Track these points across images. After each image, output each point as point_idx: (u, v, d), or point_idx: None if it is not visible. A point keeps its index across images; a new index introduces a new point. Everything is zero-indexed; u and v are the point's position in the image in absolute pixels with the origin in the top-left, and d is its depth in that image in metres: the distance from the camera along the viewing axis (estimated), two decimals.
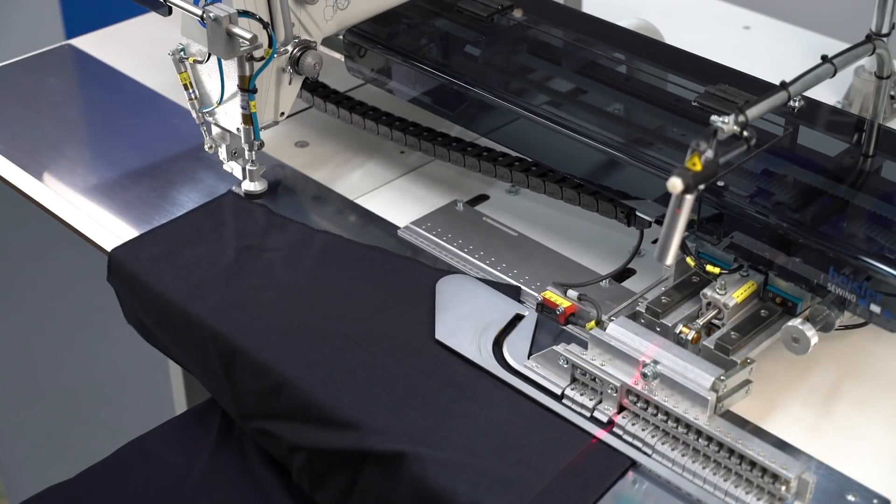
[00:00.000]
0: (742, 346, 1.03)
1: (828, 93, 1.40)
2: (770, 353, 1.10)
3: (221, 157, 1.31)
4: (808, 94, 1.10)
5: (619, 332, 1.03)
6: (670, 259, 0.94)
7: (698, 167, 0.91)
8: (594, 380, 1.02)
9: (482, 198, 1.32)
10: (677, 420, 0.97)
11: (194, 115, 1.28)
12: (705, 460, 0.96)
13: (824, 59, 1.08)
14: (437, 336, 1.10)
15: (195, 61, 1.24)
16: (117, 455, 1.29)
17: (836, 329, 1.02)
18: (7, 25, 3.14)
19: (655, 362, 0.99)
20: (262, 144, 1.26)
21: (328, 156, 1.39)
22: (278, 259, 1.20)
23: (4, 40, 3.04)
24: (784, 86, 1.03)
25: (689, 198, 0.92)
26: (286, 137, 1.42)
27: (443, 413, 1.02)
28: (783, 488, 0.92)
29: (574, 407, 1.02)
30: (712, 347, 1.02)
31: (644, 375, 0.98)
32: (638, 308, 1.07)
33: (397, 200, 1.30)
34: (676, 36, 1.43)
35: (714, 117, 0.94)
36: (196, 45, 1.23)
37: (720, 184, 1.06)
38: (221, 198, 1.31)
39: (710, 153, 0.92)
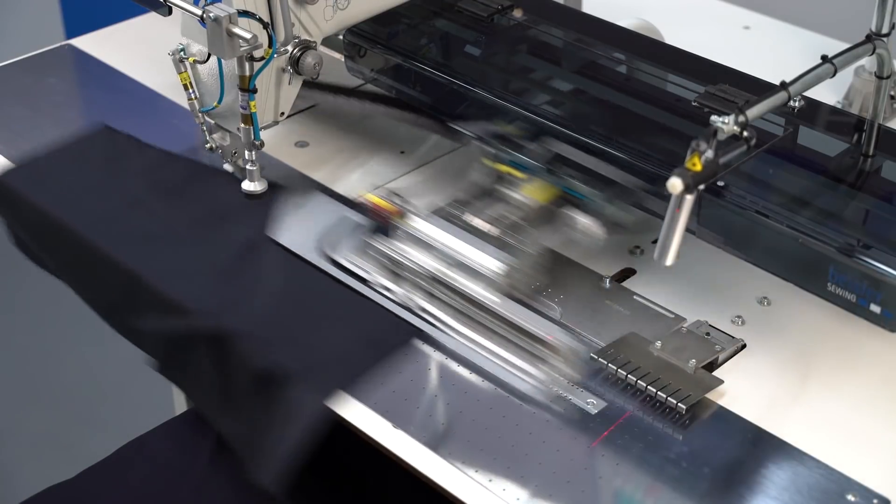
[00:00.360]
0: (532, 236, 1.15)
1: (828, 93, 1.40)
2: (770, 353, 1.10)
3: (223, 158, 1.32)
4: (808, 94, 1.10)
5: (426, 226, 1.16)
6: (670, 259, 0.94)
7: (698, 167, 0.92)
8: (401, 267, 1.14)
9: None
10: (471, 300, 1.10)
11: (194, 115, 1.28)
12: (493, 335, 1.09)
13: (824, 59, 1.08)
14: (273, 236, 1.23)
15: (195, 61, 1.24)
16: (117, 455, 1.30)
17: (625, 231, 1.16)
18: (7, 25, 3.14)
19: (453, 250, 1.12)
20: (262, 144, 1.26)
21: (328, 156, 1.39)
22: (142, 179, 1.34)
23: (4, 40, 3.04)
24: (784, 86, 1.03)
25: (690, 198, 0.92)
26: (286, 137, 1.42)
27: (269, 297, 1.16)
28: (558, 361, 1.06)
29: (387, 294, 1.15)
30: (506, 238, 1.14)
31: (441, 261, 1.12)
32: (447, 206, 1.20)
33: None
34: (676, 36, 1.43)
35: (714, 117, 0.95)
36: (196, 45, 1.23)
37: (720, 184, 1.06)
38: (95, 131, 1.43)
39: (710, 153, 0.92)
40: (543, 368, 1.06)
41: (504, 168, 1.17)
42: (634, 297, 1.16)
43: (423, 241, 1.15)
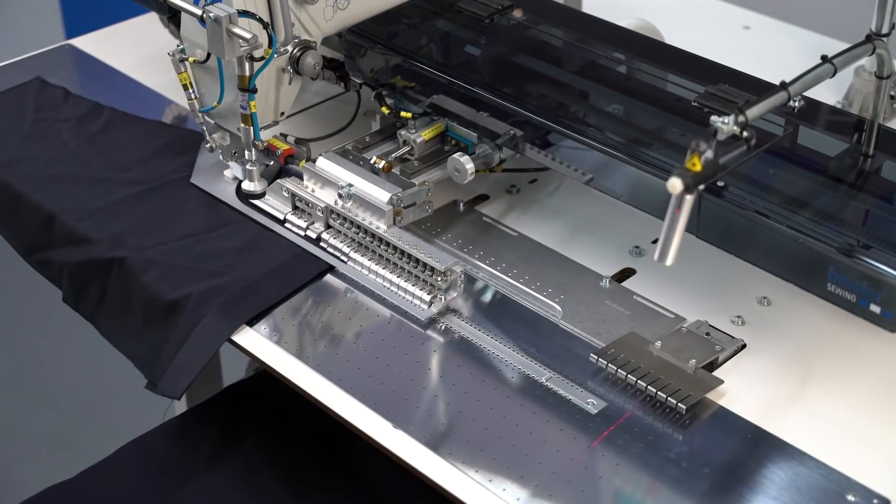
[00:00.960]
0: (421, 173, 1.25)
1: (828, 93, 1.40)
2: (770, 353, 1.10)
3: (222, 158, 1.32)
4: (808, 94, 1.10)
5: (326, 164, 1.24)
6: (671, 259, 0.94)
7: (698, 167, 0.91)
8: (308, 205, 1.24)
9: (482, 198, 1.32)
10: (366, 231, 1.19)
11: (194, 115, 1.28)
12: (386, 263, 1.18)
13: (824, 59, 1.08)
14: (192, 180, 1.33)
15: (195, 61, 1.24)
16: (117, 455, 1.30)
17: (503, 171, 1.27)
18: (7, 25, 3.14)
19: (350, 185, 1.20)
20: (262, 144, 1.26)
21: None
22: (68, 127, 1.43)
23: (4, 40, 3.04)
24: (784, 86, 1.03)
25: (690, 198, 0.92)
26: None
27: (185, 235, 1.25)
28: (439, 279, 1.13)
29: (293, 228, 1.24)
30: (398, 174, 1.23)
31: (340, 196, 1.20)
32: (346, 147, 1.28)
33: None
34: (676, 36, 1.44)
35: (714, 117, 0.94)
36: (196, 46, 1.23)
37: (720, 184, 1.06)
38: (28, 83, 1.52)
39: (709, 153, 0.92)
40: (427, 289, 1.15)
41: (404, 114, 1.28)
42: (634, 297, 1.16)
43: (323, 177, 1.23)
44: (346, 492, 1.24)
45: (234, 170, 1.32)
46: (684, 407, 1.03)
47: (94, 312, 1.27)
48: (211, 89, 1.25)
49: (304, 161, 1.27)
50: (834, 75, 1.09)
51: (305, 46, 1.25)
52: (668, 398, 1.04)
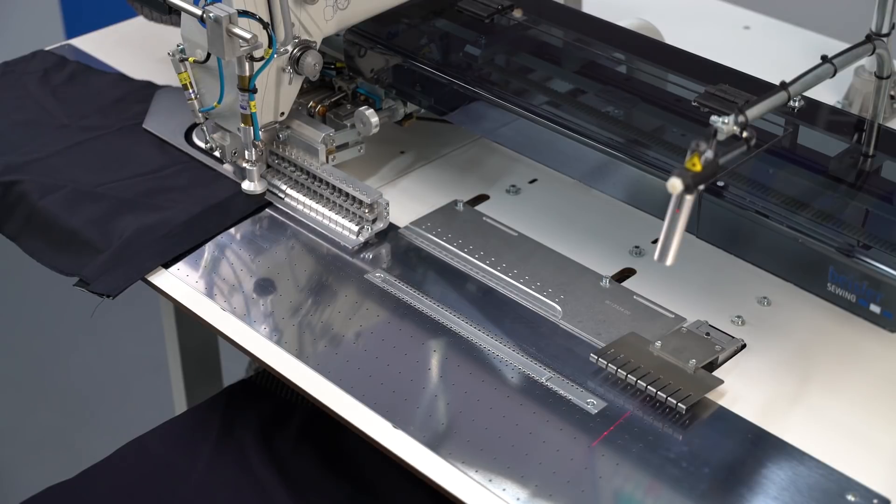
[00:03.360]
0: (351, 116, 1.32)
1: (828, 93, 1.40)
2: (770, 353, 1.10)
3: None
4: (808, 94, 1.10)
5: None
6: (671, 259, 0.94)
7: (698, 167, 0.91)
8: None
9: (482, 198, 1.32)
10: (301, 169, 1.28)
11: (194, 115, 1.28)
12: (320, 199, 1.27)
13: (824, 59, 1.08)
14: (144, 125, 1.42)
15: (195, 61, 1.24)
16: (117, 455, 1.30)
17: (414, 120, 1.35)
18: (7, 25, 3.14)
19: (287, 127, 1.29)
20: (262, 144, 1.26)
21: None
22: (34, 79, 1.52)
23: (4, 40, 3.04)
24: (784, 86, 1.03)
25: (690, 198, 0.92)
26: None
27: (135, 175, 1.33)
28: (366, 211, 1.23)
29: (233, 168, 1.33)
30: (333, 117, 1.32)
31: (278, 137, 1.29)
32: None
33: (397, 200, 1.30)
34: (676, 36, 1.43)
35: (714, 117, 0.94)
36: (196, 46, 1.23)
37: (720, 184, 1.06)
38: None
39: (709, 153, 0.92)
40: (356, 221, 1.24)
41: (339, 64, 1.35)
42: (634, 296, 1.16)
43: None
44: (346, 492, 1.24)
45: (234, 170, 1.32)
46: (684, 407, 1.03)
47: (19, 232, 1.33)
48: (211, 89, 1.25)
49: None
50: (834, 75, 1.09)
51: (305, 46, 1.25)
52: (668, 398, 1.04)
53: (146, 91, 1.50)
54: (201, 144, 1.37)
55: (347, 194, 1.25)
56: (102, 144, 1.40)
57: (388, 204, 1.24)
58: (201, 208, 1.28)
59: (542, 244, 1.24)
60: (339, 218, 1.26)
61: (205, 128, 1.29)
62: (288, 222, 1.28)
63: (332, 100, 1.34)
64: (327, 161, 1.28)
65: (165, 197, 1.30)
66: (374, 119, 1.28)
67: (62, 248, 1.27)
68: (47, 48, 1.62)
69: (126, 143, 1.40)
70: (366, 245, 1.24)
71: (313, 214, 1.27)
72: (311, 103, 1.33)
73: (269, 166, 1.30)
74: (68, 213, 1.29)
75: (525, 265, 1.21)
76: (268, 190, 1.30)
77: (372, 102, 1.33)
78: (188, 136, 1.40)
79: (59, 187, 1.32)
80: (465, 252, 1.23)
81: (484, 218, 1.28)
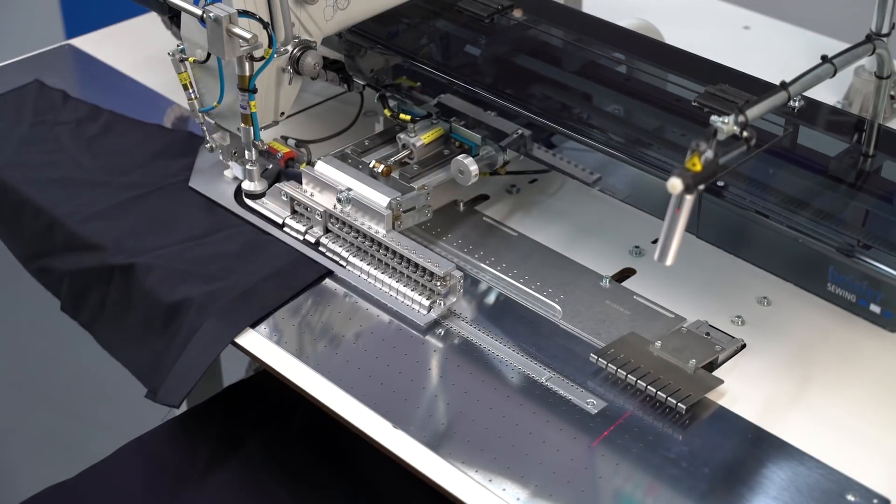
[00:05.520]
0: (422, 176, 1.24)
1: (828, 93, 1.40)
2: (770, 353, 1.10)
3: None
4: (808, 94, 1.10)
5: (325, 168, 1.24)
6: (670, 259, 0.94)
7: (698, 167, 0.91)
8: (306, 209, 1.23)
9: (482, 198, 1.32)
10: (364, 235, 1.18)
11: (194, 115, 1.28)
12: (385, 268, 1.18)
13: (824, 59, 1.08)
14: (191, 184, 1.33)
15: (195, 61, 1.24)
16: (117, 455, 1.30)
17: (507, 174, 1.29)
18: (7, 25, 3.14)
19: (349, 189, 1.19)
20: (262, 144, 1.26)
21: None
22: (66, 130, 1.43)
23: (4, 40, 3.04)
24: (784, 86, 1.03)
25: (690, 198, 0.92)
26: None
27: (185, 239, 1.24)
28: (438, 284, 1.13)
29: (292, 233, 1.24)
30: (398, 178, 1.23)
31: (339, 200, 1.19)
32: (345, 150, 1.27)
33: None
34: (676, 36, 1.43)
35: (714, 117, 0.94)
36: (196, 45, 1.23)
37: (720, 184, 1.06)
38: (27, 86, 1.52)
39: (709, 153, 0.92)
40: (427, 294, 1.15)
41: (403, 116, 1.28)
42: (634, 296, 1.16)
43: (322, 181, 1.22)
44: (346, 492, 1.24)
45: (234, 170, 1.32)
46: (684, 407, 1.03)
47: (92, 320, 1.27)
48: (211, 89, 1.25)
49: (303, 164, 1.27)
50: (834, 75, 1.09)
51: (305, 46, 1.25)
52: (668, 398, 1.04)
53: (188, 143, 1.40)
54: (253, 205, 1.28)
55: (417, 265, 1.15)
56: (147, 204, 1.31)
57: (462, 277, 1.14)
58: (258, 279, 1.19)
59: (543, 244, 1.24)
60: (407, 290, 1.16)
61: (205, 128, 1.29)
62: (350, 293, 1.18)
63: (397, 158, 1.25)
64: (393, 227, 1.19)
65: (219, 265, 1.21)
66: (474, 168, 1.21)
67: (126, 335, 1.23)
68: (47, 48, 1.62)
69: (172, 204, 1.31)
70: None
71: (378, 286, 1.18)
72: (373, 163, 1.24)
73: (328, 230, 1.22)
74: (131, 292, 1.21)
75: (525, 265, 1.21)
76: (325, 255, 1.21)
77: (469, 149, 1.26)
78: (237, 195, 1.30)
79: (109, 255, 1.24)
80: (465, 252, 1.23)
81: (484, 218, 1.28)
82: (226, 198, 1.30)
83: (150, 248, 1.23)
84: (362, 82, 1.35)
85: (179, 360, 1.14)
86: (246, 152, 1.27)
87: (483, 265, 1.21)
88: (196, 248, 1.23)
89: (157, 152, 1.39)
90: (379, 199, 1.19)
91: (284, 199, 1.25)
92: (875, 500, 0.96)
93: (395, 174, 1.24)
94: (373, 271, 1.18)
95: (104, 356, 1.30)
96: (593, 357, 1.08)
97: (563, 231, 1.26)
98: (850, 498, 0.96)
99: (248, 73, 1.19)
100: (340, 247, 1.21)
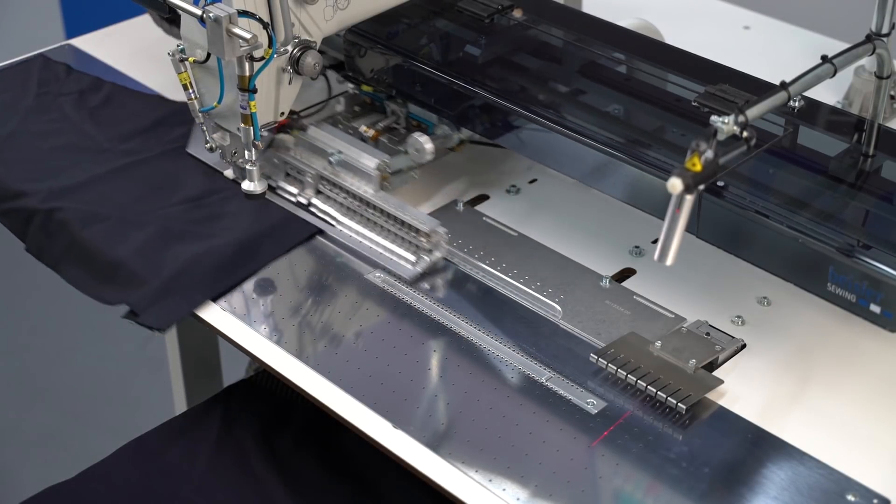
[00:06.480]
0: (405, 141, 1.28)
1: (828, 93, 1.40)
2: (770, 353, 1.10)
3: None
4: (808, 94, 1.10)
5: (317, 132, 1.29)
6: (671, 259, 0.94)
7: (698, 167, 0.92)
8: (299, 172, 1.28)
9: (482, 198, 1.32)
10: (354, 196, 1.24)
11: (194, 115, 1.28)
12: (374, 226, 1.23)
13: (824, 59, 1.08)
14: (188, 149, 1.38)
15: (195, 61, 1.24)
16: (117, 455, 1.30)
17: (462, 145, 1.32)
18: (7, 25, 3.14)
19: (340, 152, 1.25)
20: (262, 144, 1.26)
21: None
22: (70, 101, 1.49)
23: (4, 40, 3.04)
24: (784, 86, 1.03)
25: (690, 198, 0.92)
26: None
27: (181, 201, 1.30)
28: (424, 240, 1.19)
29: (285, 195, 1.29)
30: (386, 142, 1.30)
31: (330, 163, 1.25)
32: (336, 116, 1.34)
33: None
34: (676, 36, 1.43)
35: (714, 117, 0.94)
36: (196, 45, 1.23)
37: (720, 184, 1.06)
38: (31, 59, 1.56)
39: (709, 153, 0.92)
40: (413, 250, 1.21)
41: (366, 87, 1.33)
42: (634, 296, 1.16)
43: (314, 145, 1.28)
44: (346, 492, 1.24)
45: (234, 171, 1.32)
46: (684, 407, 1.03)
47: (57, 262, 1.29)
48: (211, 89, 1.25)
49: (296, 130, 1.30)
50: (834, 75, 1.09)
51: (305, 46, 1.25)
52: (668, 398, 1.04)
53: (187, 112, 1.42)
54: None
55: (403, 222, 1.21)
56: (146, 169, 1.36)
57: (446, 233, 1.20)
58: (252, 236, 1.24)
59: (542, 244, 1.24)
60: (394, 247, 1.22)
61: (205, 128, 1.29)
62: (341, 251, 1.24)
63: (386, 124, 1.32)
64: (381, 188, 1.25)
65: (214, 225, 1.26)
66: (429, 146, 1.26)
67: (107, 278, 1.23)
68: (47, 48, 1.62)
69: (170, 168, 1.36)
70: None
71: (367, 243, 1.23)
72: (363, 127, 1.31)
73: (318, 192, 1.27)
74: (114, 243, 1.25)
75: (525, 265, 1.21)
76: (317, 216, 1.27)
77: (425, 128, 1.31)
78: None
79: (104, 217, 1.28)
80: (464, 252, 1.23)
81: (484, 218, 1.28)
82: (222, 163, 1.35)
83: (148, 210, 1.29)
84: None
85: (170, 292, 1.18)
86: (246, 152, 1.27)
87: (483, 265, 1.21)
88: (192, 210, 1.29)
89: (156, 121, 1.45)
90: (368, 160, 1.24)
91: (277, 162, 1.29)
92: (875, 500, 0.96)
93: (383, 139, 1.30)
94: (361, 229, 1.24)
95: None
96: (593, 357, 1.08)
97: (563, 231, 1.26)
98: (850, 498, 0.96)
99: (248, 73, 1.19)
100: (331, 207, 1.27)
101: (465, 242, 1.24)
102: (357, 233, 1.24)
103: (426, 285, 1.19)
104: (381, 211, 1.23)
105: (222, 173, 1.33)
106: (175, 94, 1.48)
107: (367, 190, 1.24)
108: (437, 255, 1.20)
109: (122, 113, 1.47)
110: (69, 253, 1.27)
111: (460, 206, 1.30)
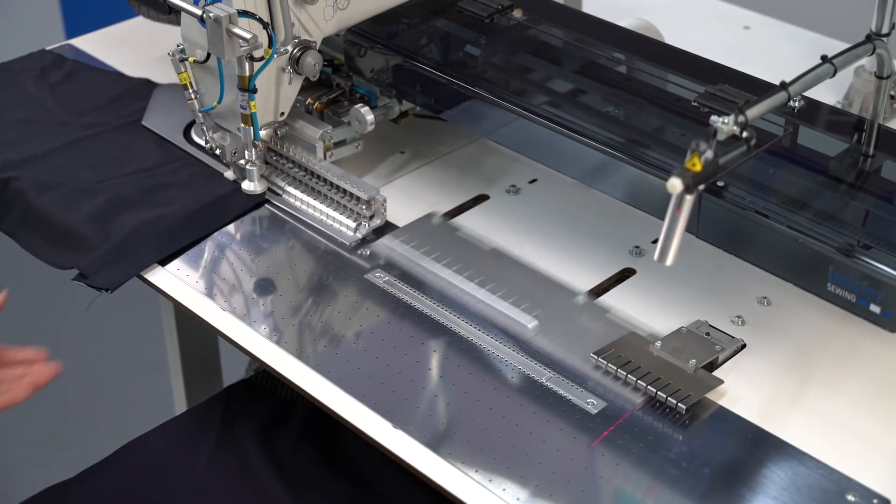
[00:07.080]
0: (348, 113, 1.31)
1: (828, 93, 1.40)
2: (770, 353, 1.10)
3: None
4: (808, 94, 1.10)
5: None
6: (670, 259, 0.94)
7: (698, 167, 0.92)
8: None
9: (482, 198, 1.32)
10: (299, 165, 1.29)
11: (194, 115, 1.28)
12: (317, 195, 1.28)
13: (824, 59, 1.08)
14: (144, 122, 1.43)
15: (195, 61, 1.24)
16: (117, 455, 1.30)
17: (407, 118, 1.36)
18: (7, 25, 3.14)
19: (287, 124, 1.30)
20: (262, 145, 1.26)
21: None
22: (31, 77, 1.53)
23: (4, 40, 3.04)
24: (784, 86, 1.03)
25: (690, 198, 0.92)
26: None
27: (135, 171, 1.35)
28: (364, 207, 1.24)
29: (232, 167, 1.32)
30: (330, 114, 1.33)
31: (276, 134, 1.30)
32: None
33: (398, 200, 1.30)
34: (676, 36, 1.44)
35: (714, 117, 0.94)
36: (196, 45, 1.23)
37: (720, 184, 1.06)
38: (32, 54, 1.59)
39: (709, 153, 0.92)
40: (353, 217, 1.25)
41: (338, 62, 1.36)
42: (607, 315, 1.15)
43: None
44: (346, 492, 1.24)
45: (234, 171, 1.32)
46: (684, 407, 1.03)
47: (17, 228, 1.32)
48: (211, 89, 1.25)
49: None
50: (834, 75, 1.09)
51: (305, 46, 1.25)
52: (668, 398, 1.04)
53: (144, 88, 1.50)
54: (200, 142, 1.37)
55: (345, 191, 1.25)
56: (101, 141, 1.41)
57: (385, 200, 1.25)
58: (200, 205, 1.28)
59: (517, 259, 1.22)
60: (336, 214, 1.26)
61: (204, 127, 1.29)
62: (286, 219, 1.28)
63: (330, 97, 1.35)
64: (325, 158, 1.29)
65: (164, 194, 1.31)
66: (370, 117, 1.28)
67: (60, 244, 1.28)
68: (48, 48, 1.62)
69: (125, 141, 1.41)
70: (363, 242, 1.24)
71: (311, 211, 1.28)
72: (308, 100, 1.34)
73: (267, 163, 1.31)
74: (67, 210, 1.29)
75: (501, 279, 1.18)
76: (268, 189, 1.31)
77: (368, 100, 1.34)
78: (187, 134, 1.41)
79: (58, 184, 1.32)
80: (442, 264, 1.21)
81: (457, 233, 1.26)
82: (175, 135, 1.40)
83: (101, 179, 1.33)
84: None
85: (119, 256, 1.23)
86: (246, 152, 1.27)
87: (460, 278, 1.19)
88: (145, 179, 1.33)
89: (114, 96, 1.50)
90: (312, 131, 1.29)
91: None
92: (875, 500, 0.96)
93: (328, 111, 1.34)
94: (305, 198, 1.29)
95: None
96: (593, 357, 1.08)
97: (563, 231, 1.26)
98: (850, 498, 0.96)
99: (248, 73, 1.19)
100: (278, 177, 1.31)
101: (443, 255, 1.22)
102: (302, 201, 1.29)
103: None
104: (324, 180, 1.27)
105: (175, 144, 1.39)
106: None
107: (310, 160, 1.28)
108: (378, 221, 1.25)
109: (82, 88, 1.52)
110: (26, 220, 1.31)
111: (436, 219, 1.28)
